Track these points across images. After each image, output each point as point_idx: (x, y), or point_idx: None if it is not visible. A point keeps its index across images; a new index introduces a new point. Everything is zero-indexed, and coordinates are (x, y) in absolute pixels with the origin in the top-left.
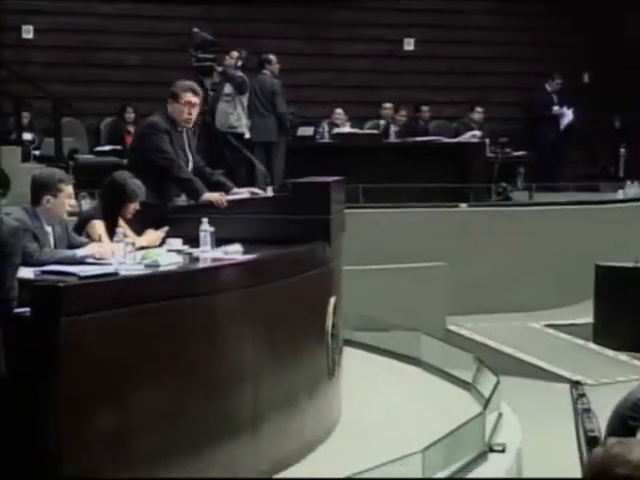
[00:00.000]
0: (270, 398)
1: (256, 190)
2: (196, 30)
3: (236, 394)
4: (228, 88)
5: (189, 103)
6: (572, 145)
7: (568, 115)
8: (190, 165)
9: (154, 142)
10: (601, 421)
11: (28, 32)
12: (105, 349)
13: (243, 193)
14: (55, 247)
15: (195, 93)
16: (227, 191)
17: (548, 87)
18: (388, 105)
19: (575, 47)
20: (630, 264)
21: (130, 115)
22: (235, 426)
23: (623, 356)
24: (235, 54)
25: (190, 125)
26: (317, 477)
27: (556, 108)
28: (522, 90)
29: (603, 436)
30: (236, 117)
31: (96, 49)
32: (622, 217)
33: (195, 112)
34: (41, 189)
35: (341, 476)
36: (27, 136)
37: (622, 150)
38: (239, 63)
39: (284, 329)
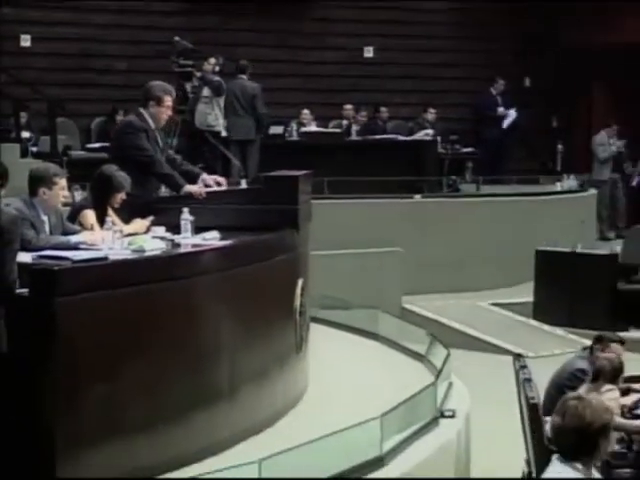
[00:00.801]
0: (245, 370)
1: (220, 179)
2: (177, 39)
3: (214, 367)
4: (206, 91)
5: (169, 106)
6: (515, 142)
7: (512, 115)
8: (163, 157)
9: (134, 141)
10: (540, 389)
11: (26, 41)
12: (96, 326)
13: (208, 180)
14: (51, 234)
15: (172, 96)
16: (195, 178)
17: (493, 90)
18: (350, 107)
19: (517, 54)
20: (567, 249)
21: (120, 117)
22: (213, 395)
23: (560, 331)
24: (212, 60)
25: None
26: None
27: (500, 109)
28: (470, 93)
29: (542, 402)
30: (214, 117)
31: (87, 56)
32: (559, 207)
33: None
34: (37, 182)
35: (308, 439)
36: (25, 134)
37: (559, 147)
38: (216, 69)
39: (257, 308)
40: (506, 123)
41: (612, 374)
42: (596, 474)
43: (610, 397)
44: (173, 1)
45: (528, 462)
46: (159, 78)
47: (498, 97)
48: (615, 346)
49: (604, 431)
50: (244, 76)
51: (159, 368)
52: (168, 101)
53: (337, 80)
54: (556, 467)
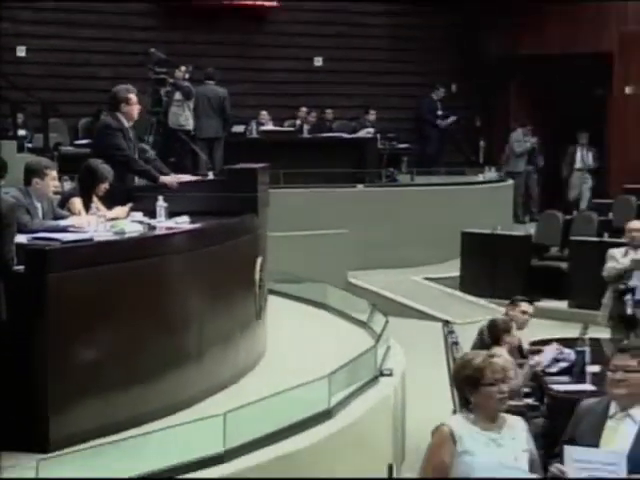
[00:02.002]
0: (211, 335)
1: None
2: (152, 50)
3: (185, 332)
4: (178, 95)
5: (136, 102)
6: (445, 140)
7: (452, 118)
8: (136, 151)
9: (112, 141)
10: (465, 351)
11: (22, 51)
12: (82, 298)
13: (165, 170)
14: (43, 219)
15: (135, 93)
16: (161, 171)
17: (434, 96)
18: (304, 109)
19: (446, 63)
20: (487, 231)
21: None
22: (184, 357)
23: (482, 301)
24: (183, 69)
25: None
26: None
27: (440, 112)
28: (406, 97)
29: None
30: (184, 118)
31: (76, 65)
32: (482, 195)
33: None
34: (31, 173)
35: (267, 394)
36: (21, 132)
37: (481, 143)
38: (186, 76)
39: (222, 282)
40: (444, 124)
41: (495, 334)
42: (480, 427)
43: (498, 355)
44: (149, 18)
45: (454, 413)
46: (137, 84)
47: (438, 102)
48: (524, 304)
49: (468, 384)
50: (212, 82)
51: (137, 334)
52: (134, 98)
53: (291, 86)
54: (457, 415)
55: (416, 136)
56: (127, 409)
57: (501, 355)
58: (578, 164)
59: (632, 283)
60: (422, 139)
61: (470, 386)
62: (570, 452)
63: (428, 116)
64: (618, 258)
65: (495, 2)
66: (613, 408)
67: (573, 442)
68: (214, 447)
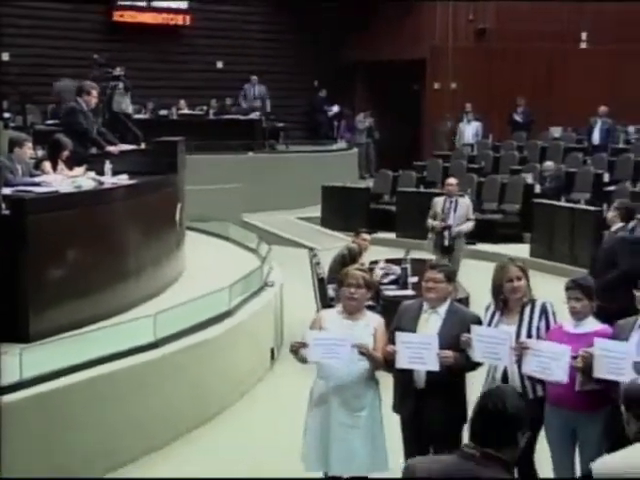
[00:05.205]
0: (145, 259)
1: (124, 146)
2: (96, 56)
3: (126, 257)
4: (120, 87)
5: (95, 95)
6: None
7: (335, 109)
8: (95, 129)
9: (75, 119)
10: (325, 268)
11: (6, 56)
12: (52, 232)
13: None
14: (22, 177)
15: (95, 89)
16: (108, 141)
17: (321, 94)
18: (214, 100)
19: (312, 64)
20: (340, 184)
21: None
22: (126, 274)
23: (338, 234)
24: (118, 69)
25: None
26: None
27: (325, 107)
28: (289, 90)
29: (327, 276)
30: (125, 104)
31: (46, 66)
32: (336, 159)
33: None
34: (13, 144)
35: (185, 300)
36: (6, 115)
37: (335, 123)
38: (122, 73)
39: (152, 221)
40: (330, 114)
41: (352, 256)
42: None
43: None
44: (94, 32)
45: (317, 312)
46: (90, 80)
47: (325, 98)
48: (364, 235)
49: (338, 284)
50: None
51: (93, 258)
52: (94, 92)
53: (200, 82)
54: (333, 308)
55: (309, 120)
56: (87, 310)
57: (361, 268)
58: None
59: (449, 222)
60: (315, 123)
61: (338, 286)
62: (399, 336)
63: (321, 107)
64: (438, 207)
65: (345, 21)
66: (425, 306)
67: (398, 330)
68: (148, 338)
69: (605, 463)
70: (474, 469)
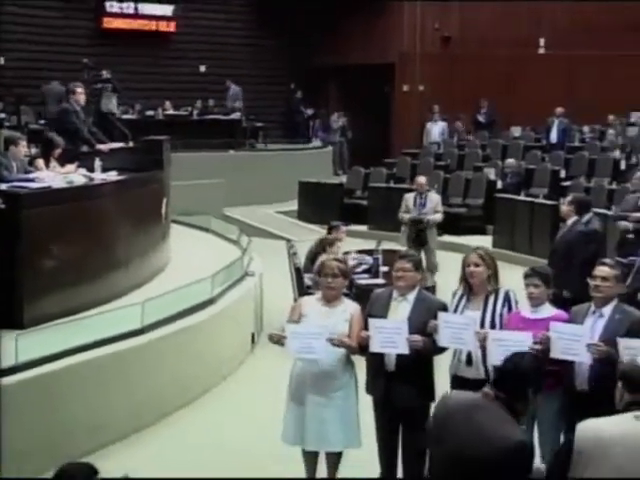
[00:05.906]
0: (134, 250)
1: (113, 144)
2: (86, 60)
3: (117, 248)
4: (108, 88)
5: (81, 93)
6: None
7: (310, 111)
8: (86, 128)
9: (68, 118)
10: (301, 258)
11: (2, 61)
12: (45, 225)
13: (104, 139)
14: (17, 173)
15: (81, 88)
16: (98, 140)
17: (297, 96)
18: (199, 101)
19: (288, 68)
20: (315, 180)
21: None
22: (116, 264)
23: (312, 226)
24: (105, 72)
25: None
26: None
27: (302, 108)
28: (266, 92)
29: (303, 265)
30: (113, 105)
31: (39, 69)
32: (311, 157)
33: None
34: (9, 142)
35: (171, 288)
36: (2, 115)
37: (311, 123)
38: (109, 76)
39: (140, 215)
40: (306, 115)
41: (322, 248)
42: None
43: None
44: (84, 38)
45: (295, 300)
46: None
47: (301, 99)
48: (341, 227)
49: (317, 274)
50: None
51: (84, 249)
52: (78, 90)
53: (185, 84)
54: (312, 295)
55: (286, 120)
56: (79, 299)
57: (336, 258)
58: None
59: (423, 215)
60: (292, 123)
61: (318, 275)
62: (372, 322)
63: (297, 108)
64: (410, 202)
65: (318, 27)
66: (395, 294)
67: (370, 316)
68: (136, 324)
69: (587, 424)
70: (493, 405)
